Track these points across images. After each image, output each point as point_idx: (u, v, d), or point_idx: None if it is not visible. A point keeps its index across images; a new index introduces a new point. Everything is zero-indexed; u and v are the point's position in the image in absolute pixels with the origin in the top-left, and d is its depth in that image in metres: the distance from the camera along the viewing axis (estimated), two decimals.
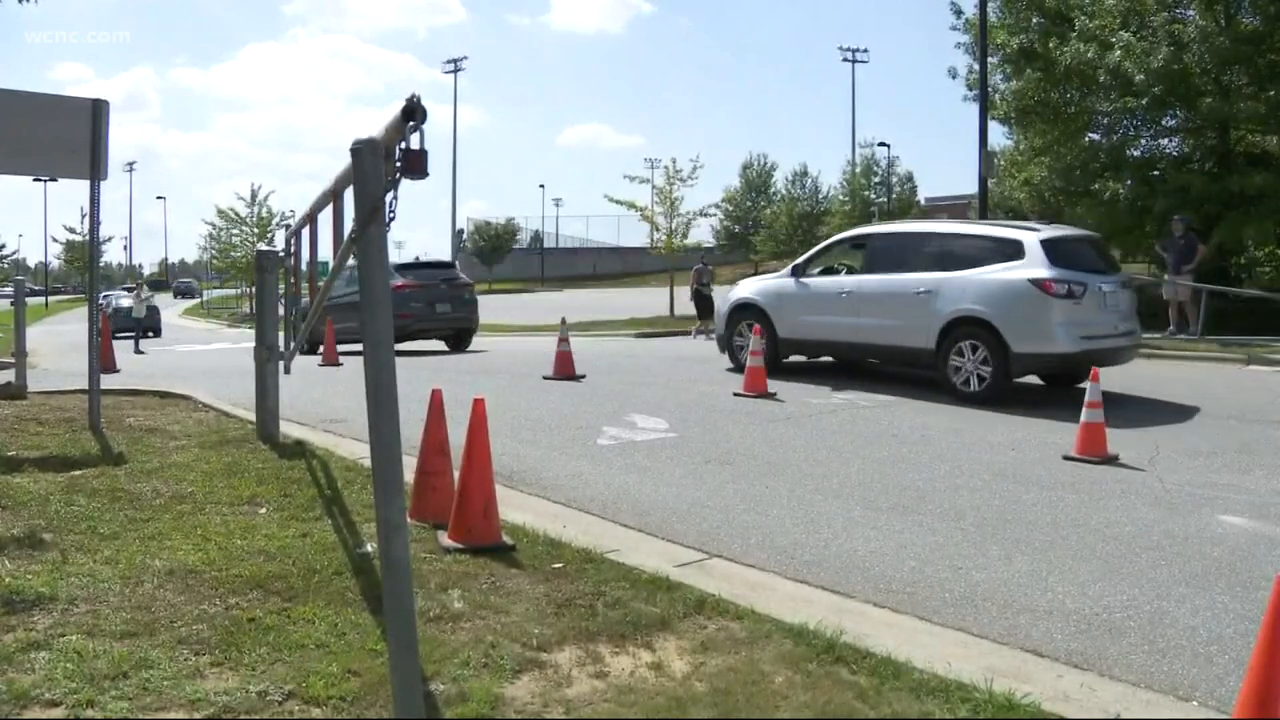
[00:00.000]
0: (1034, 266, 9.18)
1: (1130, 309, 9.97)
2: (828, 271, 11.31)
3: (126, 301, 30.40)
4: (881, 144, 62.98)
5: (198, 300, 63.78)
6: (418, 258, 26.92)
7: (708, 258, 26.12)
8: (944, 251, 10.15)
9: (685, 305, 26.32)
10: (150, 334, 26.90)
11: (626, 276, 61.83)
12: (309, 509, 4.85)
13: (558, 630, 3.30)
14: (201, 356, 18.35)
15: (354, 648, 3.09)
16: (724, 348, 11.71)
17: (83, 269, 52.88)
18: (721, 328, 11.81)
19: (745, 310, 11.46)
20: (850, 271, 11.07)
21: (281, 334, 7.56)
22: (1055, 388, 9.99)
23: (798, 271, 11.20)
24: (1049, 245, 9.41)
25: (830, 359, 11.22)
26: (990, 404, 9.01)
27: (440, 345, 17.24)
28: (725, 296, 12.28)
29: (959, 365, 9.40)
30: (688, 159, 71.02)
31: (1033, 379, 9.81)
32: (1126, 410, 8.40)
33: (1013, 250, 9.51)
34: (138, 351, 21.01)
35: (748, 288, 11.96)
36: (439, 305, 16.30)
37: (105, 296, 30.79)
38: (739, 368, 10.70)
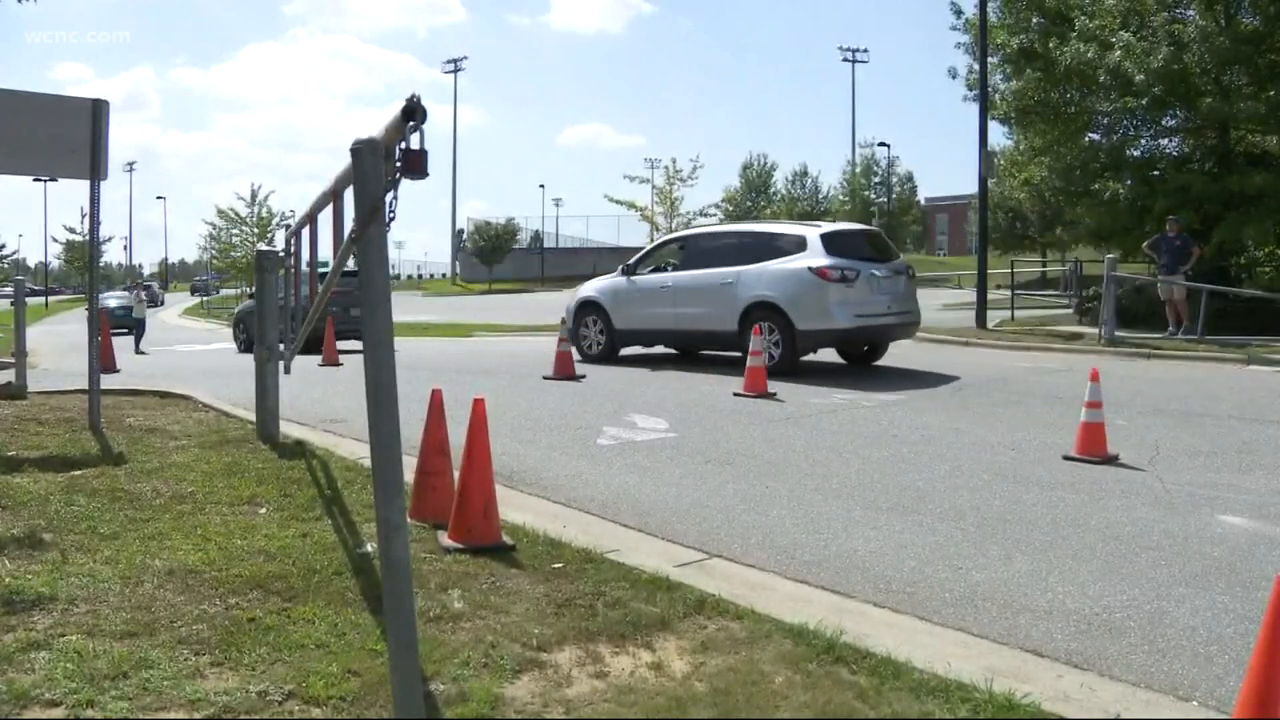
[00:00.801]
0: (814, 257, 10.85)
1: (906, 293, 11.55)
2: (657, 270, 12.77)
3: (114, 302, 30.54)
4: (881, 144, 63.20)
5: (199, 300, 63.77)
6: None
7: None
8: (745, 247, 11.75)
9: None
10: (129, 331, 26.68)
11: None
12: (309, 509, 4.85)
13: (558, 630, 3.30)
14: (201, 356, 18.34)
15: (354, 648, 3.09)
16: (574, 341, 12.64)
17: (83, 269, 52.84)
18: (570, 322, 12.91)
19: (588, 307, 12.98)
20: (673, 269, 12.52)
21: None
22: (855, 364, 11.93)
23: (628, 271, 12.76)
24: (827, 238, 11.12)
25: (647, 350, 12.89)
26: (783, 376, 10.36)
27: (440, 346, 17.43)
28: (573, 294, 13.75)
29: (757, 345, 10.17)
30: (688, 159, 71.20)
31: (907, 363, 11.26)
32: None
33: (797, 244, 11.21)
34: (138, 352, 21.02)
35: (590, 287, 13.40)
36: (353, 310, 17.69)
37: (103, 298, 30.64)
38: (585, 359, 12.57)
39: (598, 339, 12.79)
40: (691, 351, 12.77)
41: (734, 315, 11.20)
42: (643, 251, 13.51)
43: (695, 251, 12.38)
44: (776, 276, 11.00)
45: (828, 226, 11.82)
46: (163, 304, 61.85)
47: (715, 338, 11.68)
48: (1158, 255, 15.95)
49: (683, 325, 11.97)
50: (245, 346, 18.53)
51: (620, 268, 13.11)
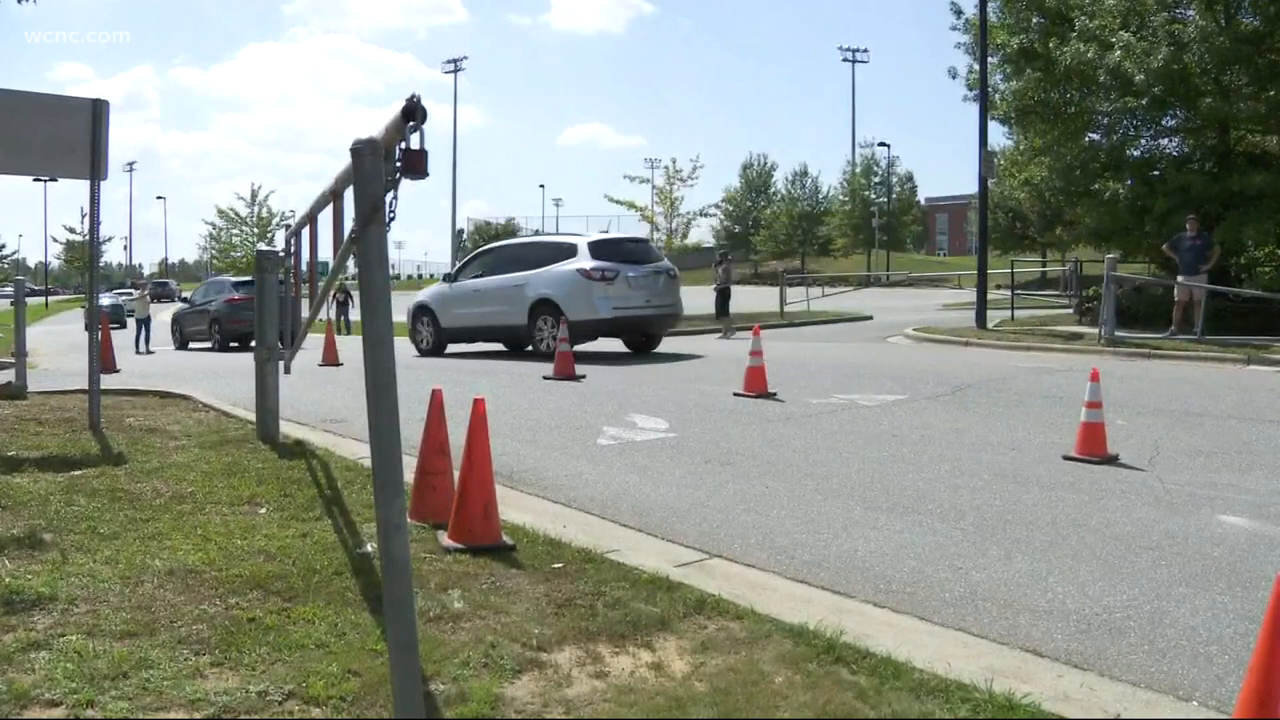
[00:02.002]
0: (582, 261, 13.47)
1: (665, 289, 14.12)
2: (474, 277, 15.03)
3: (107, 300, 30.70)
4: (881, 144, 63.20)
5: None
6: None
7: (731, 253, 25.81)
8: (536, 255, 14.36)
9: (687, 305, 26.23)
10: (120, 326, 26.84)
11: None
12: (309, 509, 4.85)
13: (558, 630, 3.30)
14: (201, 356, 18.34)
15: (354, 648, 3.08)
16: (411, 339, 15.43)
17: (83, 269, 52.84)
18: (409, 323, 15.60)
19: (420, 309, 15.52)
20: (485, 275, 14.81)
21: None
22: (639, 353, 14.33)
23: (450, 279, 15.47)
24: (594, 245, 13.80)
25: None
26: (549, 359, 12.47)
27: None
28: (411, 298, 16.32)
29: (541, 335, 13.56)
30: (688, 159, 71.28)
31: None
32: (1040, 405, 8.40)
33: (571, 251, 13.84)
34: (140, 352, 21.01)
35: (423, 293, 16.09)
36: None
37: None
38: (421, 354, 14.85)
39: (428, 336, 15.29)
40: (513, 346, 14.75)
41: (524, 311, 13.79)
42: (462, 261, 16.25)
43: (500, 260, 14.92)
44: (554, 278, 13.59)
45: (597, 236, 14.96)
46: (178, 299, 62.60)
47: (513, 330, 14.10)
48: (1177, 255, 15.85)
49: (489, 321, 14.32)
50: (180, 344, 21.77)
51: (444, 275, 16.05)
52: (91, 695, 2.71)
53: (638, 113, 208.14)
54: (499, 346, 15.16)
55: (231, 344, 20.43)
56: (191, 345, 22.71)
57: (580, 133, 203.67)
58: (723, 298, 21.19)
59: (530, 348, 13.96)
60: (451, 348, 15.41)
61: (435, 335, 15.14)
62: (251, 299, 21.60)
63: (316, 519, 4.66)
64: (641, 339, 14.60)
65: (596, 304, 13.23)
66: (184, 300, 24.26)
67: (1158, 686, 3.10)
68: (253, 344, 7.22)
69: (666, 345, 15.73)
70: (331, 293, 6.50)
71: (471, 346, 15.48)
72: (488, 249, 16.15)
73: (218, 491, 5.15)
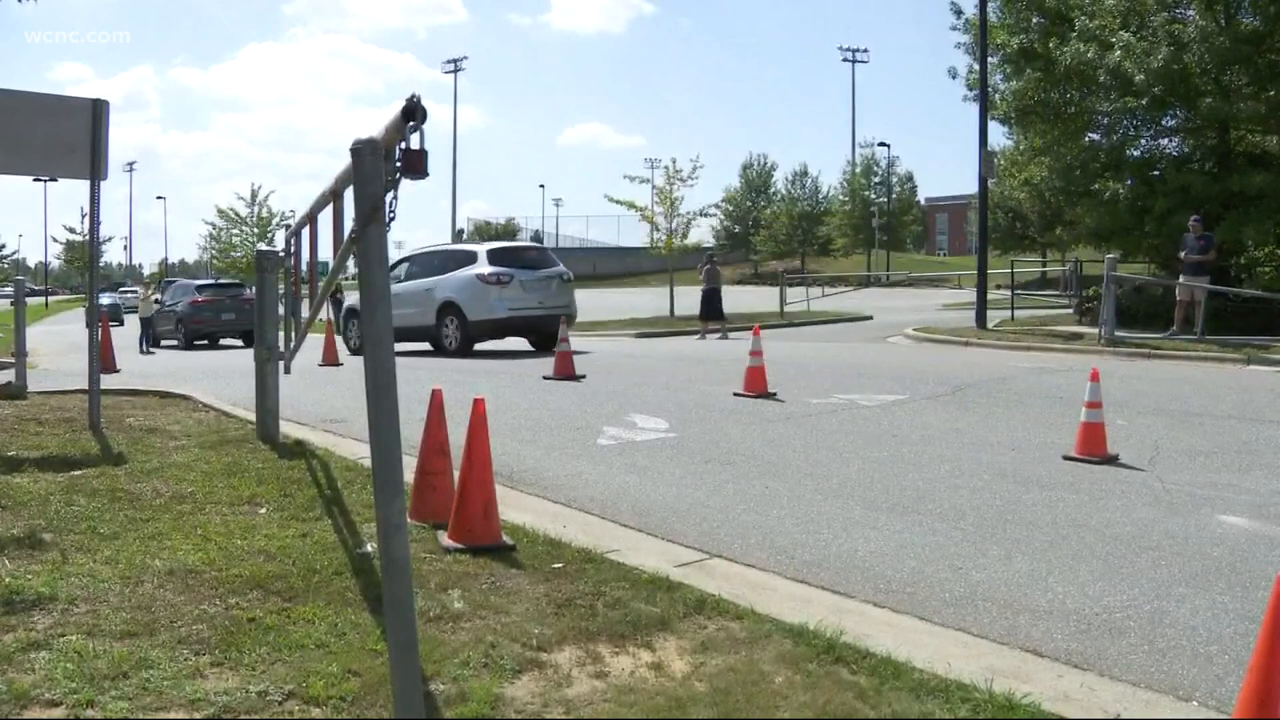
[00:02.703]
0: (480, 267, 15.20)
1: (558, 292, 15.57)
2: (396, 282, 16.05)
3: (106, 299, 30.82)
4: (881, 144, 63.16)
5: None
6: (217, 278, 35.08)
7: (716, 253, 25.89)
8: (444, 262, 16.12)
9: (686, 305, 26.27)
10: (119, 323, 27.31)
11: (626, 276, 61.81)
12: (309, 509, 4.85)
13: (558, 630, 3.30)
14: (202, 356, 18.35)
15: (354, 648, 3.08)
16: (344, 340, 16.91)
17: (83, 269, 52.81)
18: (341, 326, 17.67)
19: (350, 313, 17.60)
20: (407, 280, 16.22)
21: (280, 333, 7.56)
22: (541, 350, 15.17)
23: None
24: (491, 253, 15.60)
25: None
26: (461, 355, 14.73)
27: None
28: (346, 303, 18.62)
29: (447, 333, 15.32)
30: (688, 159, 71.15)
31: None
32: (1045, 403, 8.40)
33: (472, 258, 15.71)
34: (144, 352, 21.03)
35: (351, 298, 18.36)
36: (224, 314, 23.22)
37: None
38: (353, 353, 16.07)
39: (356, 336, 16.96)
40: (437, 347, 15.84)
41: (433, 313, 15.47)
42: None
43: (417, 266, 16.62)
44: (457, 283, 15.28)
45: (496, 245, 16.92)
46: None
47: (425, 330, 15.64)
48: (1183, 256, 15.82)
49: (404, 323, 15.19)
50: (154, 343, 22.51)
51: None
52: (91, 695, 2.71)
53: (638, 113, 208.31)
54: (422, 345, 16.12)
55: (196, 342, 22.30)
56: (163, 343, 23.84)
57: (580, 133, 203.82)
58: (710, 299, 21.22)
59: (437, 344, 15.65)
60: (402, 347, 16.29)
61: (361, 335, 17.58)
62: (211, 300, 23.10)
63: (316, 519, 4.66)
64: (540, 337, 15.83)
65: (493, 305, 14.88)
66: (156, 302, 25.57)
67: (1158, 686, 3.10)
68: (221, 341, 7.28)
69: (665, 345, 15.74)
70: (329, 293, 6.49)
71: (408, 346, 16.11)
72: (406, 257, 17.91)
73: (218, 491, 5.15)
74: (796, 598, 3.83)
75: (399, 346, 16.96)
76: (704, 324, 21.24)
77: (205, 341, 22.52)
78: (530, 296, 15.21)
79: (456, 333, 15.13)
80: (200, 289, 24.02)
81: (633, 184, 55.48)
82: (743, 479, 5.93)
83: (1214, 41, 16.33)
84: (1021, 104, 19.52)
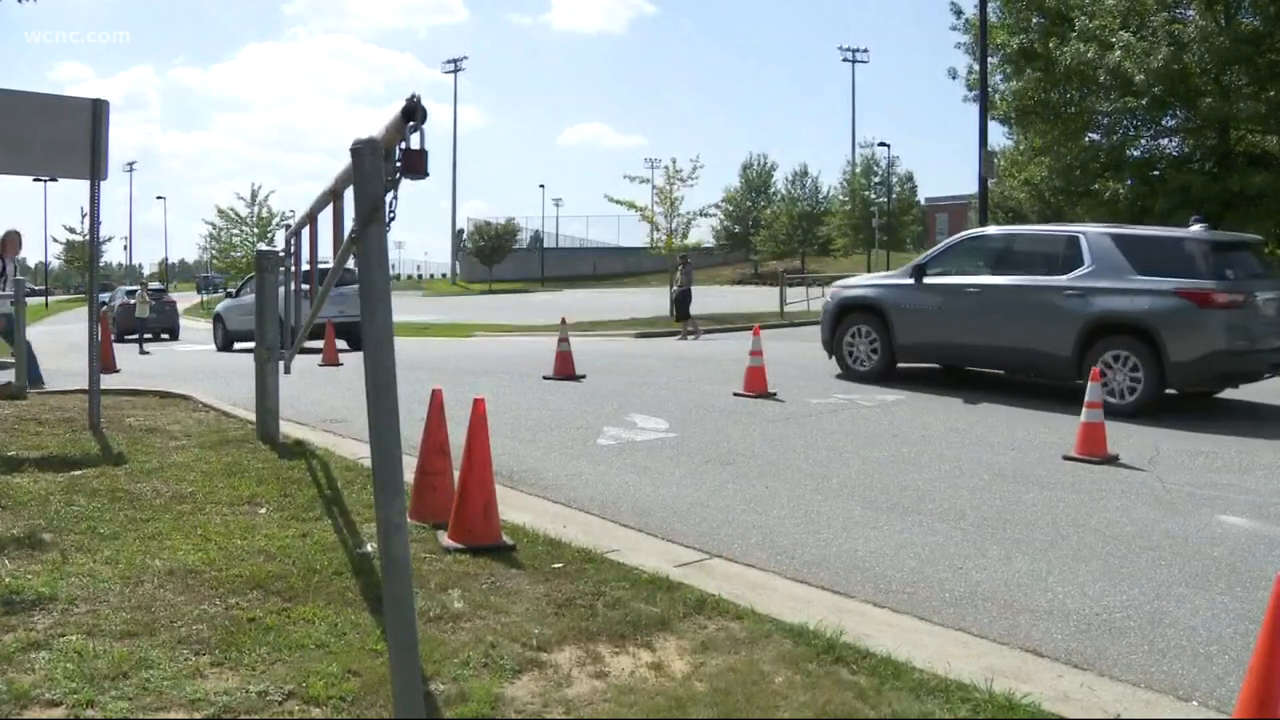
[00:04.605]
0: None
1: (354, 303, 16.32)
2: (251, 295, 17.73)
3: (105, 298, 31.16)
4: (881, 144, 62.96)
5: (200, 299, 63.83)
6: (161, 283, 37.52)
7: (690, 255, 25.95)
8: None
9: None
10: (166, 336, 28.27)
11: (626, 276, 61.82)
12: (309, 509, 4.85)
13: (558, 630, 3.30)
14: (202, 356, 18.34)
15: (354, 648, 3.08)
16: (214, 338, 20.31)
17: (83, 269, 52.82)
18: (212, 326, 20.96)
19: (217, 318, 20.79)
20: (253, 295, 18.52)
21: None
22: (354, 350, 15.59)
23: (231, 295, 20.88)
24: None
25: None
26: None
27: (440, 346, 17.53)
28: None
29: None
30: (688, 159, 71.02)
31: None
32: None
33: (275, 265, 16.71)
34: (143, 352, 21.05)
35: (220, 306, 21.59)
36: (149, 314, 25.94)
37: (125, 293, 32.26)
38: (218, 350, 19.15)
39: (221, 336, 20.07)
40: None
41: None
42: (241, 282, 21.99)
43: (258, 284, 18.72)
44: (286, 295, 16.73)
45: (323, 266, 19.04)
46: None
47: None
48: None
49: (251, 326, 17.21)
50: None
51: (227, 292, 21.71)
52: (91, 695, 2.71)
53: (638, 113, 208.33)
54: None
55: (125, 337, 24.10)
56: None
57: (580, 133, 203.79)
58: (683, 300, 21.32)
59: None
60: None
61: (225, 336, 20.09)
62: (133, 304, 25.56)
63: (316, 519, 4.66)
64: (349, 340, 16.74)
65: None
66: (230, 294, 27.12)
67: (1158, 686, 3.10)
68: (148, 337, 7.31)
69: (665, 345, 15.71)
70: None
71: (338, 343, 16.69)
72: (251, 277, 20.31)
73: (218, 491, 5.15)
74: (796, 598, 3.83)
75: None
76: (683, 325, 21.35)
77: (131, 336, 24.29)
78: (344, 307, 14.85)
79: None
80: (128, 293, 28.83)
81: (633, 184, 55.44)
82: (743, 479, 5.93)
83: (1214, 41, 16.35)
84: (1021, 104, 19.57)
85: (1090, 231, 9.44)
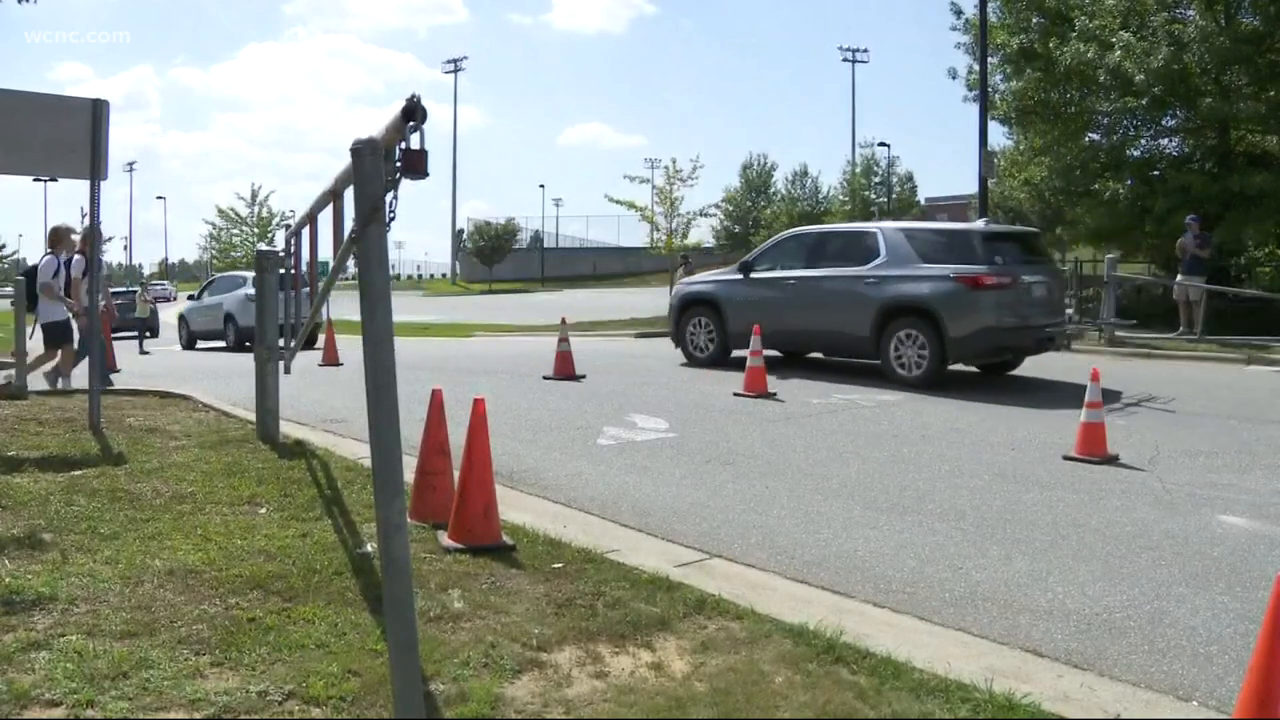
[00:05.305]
0: (249, 288, 17.08)
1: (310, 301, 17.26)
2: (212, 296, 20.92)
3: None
4: (881, 144, 63.06)
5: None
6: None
7: (691, 255, 25.94)
8: (231, 284, 19.92)
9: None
10: (149, 334, 28.02)
11: (626, 276, 61.77)
12: (309, 509, 4.85)
13: (558, 630, 3.30)
14: (202, 356, 18.34)
15: (354, 648, 3.08)
16: (179, 335, 22.30)
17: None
18: (181, 331, 22.32)
19: (181, 319, 22.40)
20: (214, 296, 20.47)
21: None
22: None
23: (193, 298, 22.62)
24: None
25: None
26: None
27: (440, 346, 17.53)
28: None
29: (229, 339, 19.19)
30: (688, 159, 71.08)
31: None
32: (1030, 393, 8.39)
33: (243, 281, 18.96)
34: (143, 352, 21.05)
35: (184, 307, 23.16)
36: (126, 314, 27.14)
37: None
38: (183, 349, 21.13)
39: (185, 335, 21.96)
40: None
41: (219, 319, 19.53)
42: (201, 287, 24.08)
43: (215, 286, 21.47)
44: (234, 299, 19.05)
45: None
46: (174, 299, 63.20)
47: (222, 334, 19.52)
48: (1182, 256, 15.84)
49: (210, 326, 20.50)
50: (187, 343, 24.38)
51: (189, 296, 23.99)
52: (91, 695, 2.71)
53: (638, 113, 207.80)
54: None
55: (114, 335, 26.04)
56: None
57: (580, 133, 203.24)
58: None
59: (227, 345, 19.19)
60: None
61: (189, 336, 21.82)
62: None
63: (316, 519, 4.66)
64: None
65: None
66: (191, 297, 27.81)
67: (1158, 686, 3.10)
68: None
69: (665, 345, 15.74)
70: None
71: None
72: (209, 280, 22.52)
73: (218, 491, 5.15)
74: (796, 598, 3.83)
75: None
76: None
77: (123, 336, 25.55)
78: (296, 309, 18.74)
79: (234, 338, 19.05)
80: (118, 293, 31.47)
81: (633, 184, 55.47)
82: (743, 479, 5.93)
83: (1214, 41, 16.33)
84: (1021, 104, 19.54)
85: (886, 227, 10.92)
